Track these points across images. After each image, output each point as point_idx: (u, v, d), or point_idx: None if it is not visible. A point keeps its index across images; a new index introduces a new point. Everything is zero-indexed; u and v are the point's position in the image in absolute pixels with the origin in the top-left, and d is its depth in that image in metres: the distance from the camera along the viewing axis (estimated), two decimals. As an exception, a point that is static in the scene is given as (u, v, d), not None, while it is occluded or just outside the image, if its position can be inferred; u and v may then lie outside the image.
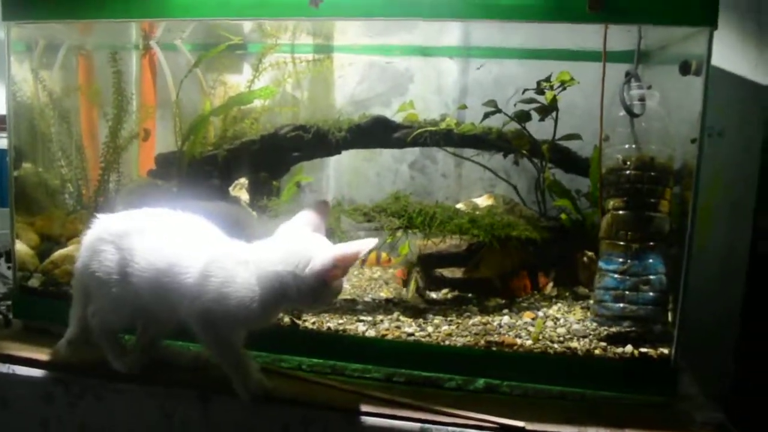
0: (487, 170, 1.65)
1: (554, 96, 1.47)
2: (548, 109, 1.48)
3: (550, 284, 1.60)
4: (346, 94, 1.76)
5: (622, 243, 1.29)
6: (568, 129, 1.58)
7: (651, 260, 1.28)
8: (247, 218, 1.48)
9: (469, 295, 1.57)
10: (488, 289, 1.53)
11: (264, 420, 1.22)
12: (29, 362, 1.34)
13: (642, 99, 1.30)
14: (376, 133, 1.57)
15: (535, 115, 1.54)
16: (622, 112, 1.30)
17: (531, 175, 1.66)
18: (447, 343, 1.31)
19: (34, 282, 1.49)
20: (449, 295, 1.59)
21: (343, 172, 1.83)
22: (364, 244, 1.09)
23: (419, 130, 1.53)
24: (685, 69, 1.24)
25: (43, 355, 1.35)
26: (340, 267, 1.09)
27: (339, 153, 1.58)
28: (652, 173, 1.27)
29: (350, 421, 1.21)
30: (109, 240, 1.22)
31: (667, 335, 1.26)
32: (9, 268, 1.51)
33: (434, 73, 1.77)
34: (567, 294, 1.56)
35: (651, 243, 1.28)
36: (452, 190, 1.80)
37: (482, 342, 1.30)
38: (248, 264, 1.14)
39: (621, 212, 1.29)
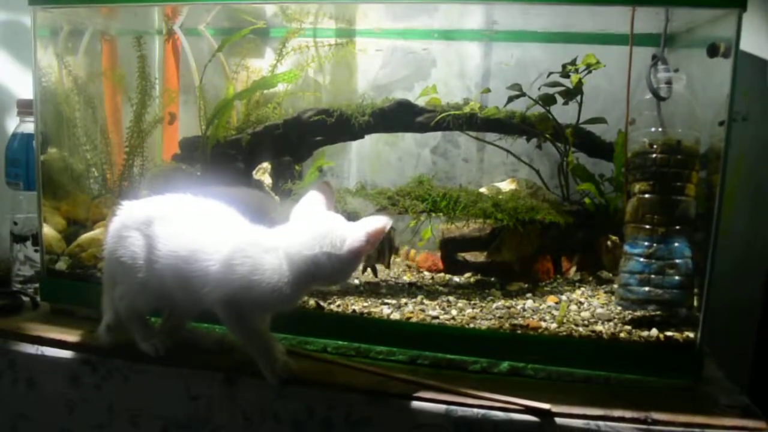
0: (509, 155, 1.64)
1: (579, 79, 1.46)
2: (573, 93, 1.47)
3: (573, 269, 1.60)
4: (369, 78, 1.75)
5: (647, 227, 1.28)
6: (592, 113, 1.57)
7: (677, 244, 1.27)
8: (269, 203, 1.49)
9: (492, 279, 1.57)
10: (508, 273, 1.53)
11: (289, 402, 1.24)
12: (57, 343, 1.36)
13: (669, 82, 1.29)
14: (399, 117, 1.56)
15: (558, 99, 1.53)
16: (649, 95, 1.29)
17: (554, 159, 1.65)
18: (471, 326, 1.32)
19: (60, 265, 1.51)
20: (472, 279, 1.60)
21: (365, 157, 1.83)
22: (388, 219, 1.13)
23: (442, 114, 1.52)
24: (713, 51, 1.23)
25: (70, 337, 1.38)
26: (371, 242, 1.13)
27: (362, 137, 1.58)
28: (679, 157, 1.26)
29: (375, 402, 1.21)
30: (133, 226, 1.24)
31: (693, 319, 1.26)
32: (36, 251, 1.53)
33: (456, 57, 1.76)
34: (590, 278, 1.55)
35: (677, 227, 1.27)
36: (474, 175, 1.80)
37: (507, 325, 1.31)
38: (277, 250, 1.15)
39: (647, 196, 1.28)
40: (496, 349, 1.30)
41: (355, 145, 1.81)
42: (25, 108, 1.51)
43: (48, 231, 1.52)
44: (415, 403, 1.20)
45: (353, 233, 1.12)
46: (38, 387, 1.36)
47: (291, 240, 1.15)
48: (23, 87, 1.48)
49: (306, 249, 1.14)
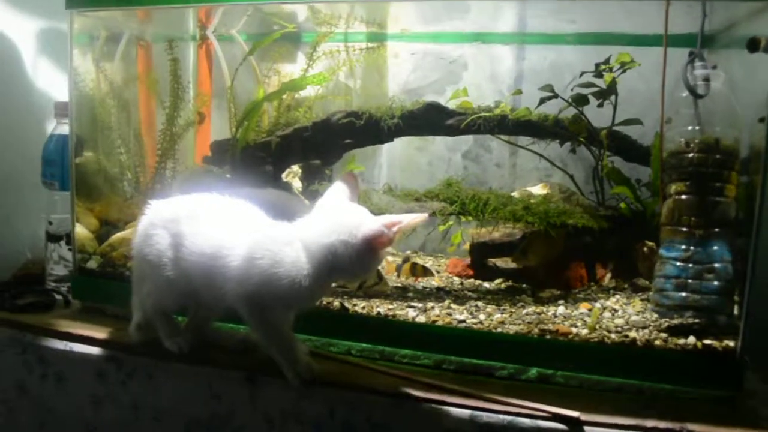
0: (542, 159, 1.61)
1: (613, 78, 1.42)
2: (607, 93, 1.43)
3: (608, 276, 1.55)
4: (399, 82, 1.75)
5: (684, 229, 1.23)
6: (628, 116, 1.53)
7: (716, 247, 1.21)
8: (296, 204, 1.49)
9: (523, 285, 1.53)
10: (540, 280, 1.48)
11: (311, 404, 1.22)
12: (85, 340, 1.38)
13: (707, 79, 1.24)
14: (429, 119, 1.54)
15: (593, 101, 1.49)
16: (686, 93, 1.24)
17: (588, 164, 1.61)
18: (499, 330, 1.28)
19: (91, 264, 1.53)
20: (503, 285, 1.56)
21: (395, 161, 1.82)
22: (417, 217, 1.10)
23: (473, 116, 1.50)
24: (753, 46, 1.18)
25: (98, 334, 1.39)
26: (389, 233, 1.10)
27: (391, 140, 1.56)
28: (717, 156, 1.21)
29: (397, 405, 1.18)
30: (160, 225, 1.25)
31: (733, 327, 1.19)
32: (70, 250, 1.56)
33: (488, 60, 1.74)
34: (626, 286, 1.50)
35: (716, 229, 1.21)
36: (506, 180, 1.76)
37: (536, 330, 1.27)
38: (295, 242, 1.14)
39: (684, 197, 1.23)
40: (525, 354, 1.26)
41: (385, 149, 1.80)
42: (61, 110, 1.54)
43: (81, 231, 1.55)
44: (439, 408, 1.17)
45: (370, 222, 1.11)
46: (66, 383, 1.38)
47: (308, 230, 1.14)
48: (61, 90, 1.51)
49: (323, 238, 1.12)
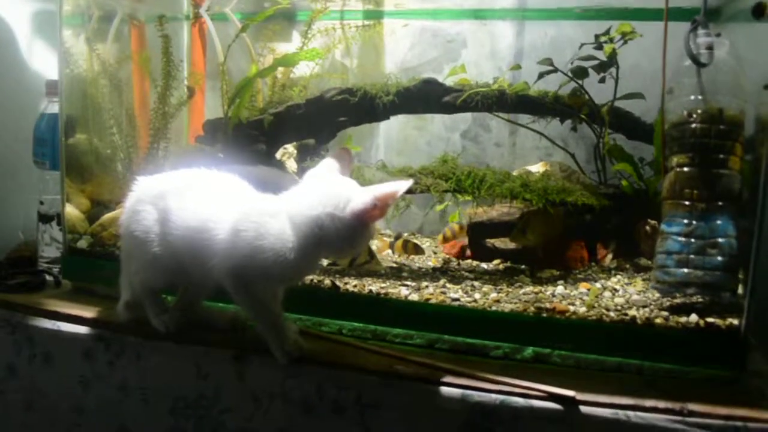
0: (543, 138, 1.56)
1: (613, 49, 1.37)
2: (607, 65, 1.39)
3: (610, 256, 1.50)
4: (397, 60, 1.71)
5: (686, 203, 1.18)
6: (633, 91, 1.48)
7: (719, 222, 1.16)
8: (287, 181, 1.45)
9: (522, 266, 1.48)
10: (535, 259, 1.44)
11: (299, 382, 1.18)
12: (72, 319, 1.35)
13: (710, 47, 1.19)
14: (425, 96, 1.50)
15: (594, 77, 1.45)
16: (688, 62, 1.20)
17: (590, 142, 1.57)
18: (494, 308, 1.24)
19: (82, 244, 1.51)
20: (501, 266, 1.52)
21: (393, 141, 1.78)
22: (401, 184, 1.04)
23: (469, 92, 1.46)
24: (759, 11, 1.13)
25: (86, 313, 1.37)
26: (379, 207, 1.05)
27: (387, 118, 1.53)
28: (721, 127, 1.16)
29: (387, 385, 1.15)
30: (147, 201, 1.23)
31: (737, 304, 1.14)
32: (61, 230, 1.54)
33: (487, 37, 1.70)
34: (627, 266, 1.45)
35: (719, 203, 1.16)
36: (506, 160, 1.72)
37: (532, 309, 1.22)
38: (281, 215, 1.11)
39: (686, 169, 1.18)
40: (520, 333, 1.21)
41: (382, 129, 1.76)
42: (52, 89, 1.52)
43: (71, 211, 1.53)
44: (430, 387, 1.13)
45: (360, 196, 1.06)
46: (54, 363, 1.36)
47: (294, 203, 1.11)
48: (55, 71, 1.49)
49: (308, 210, 1.08)
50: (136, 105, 1.64)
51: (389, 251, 1.56)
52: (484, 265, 1.52)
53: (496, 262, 1.53)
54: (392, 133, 1.78)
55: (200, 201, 1.18)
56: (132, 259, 1.28)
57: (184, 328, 1.28)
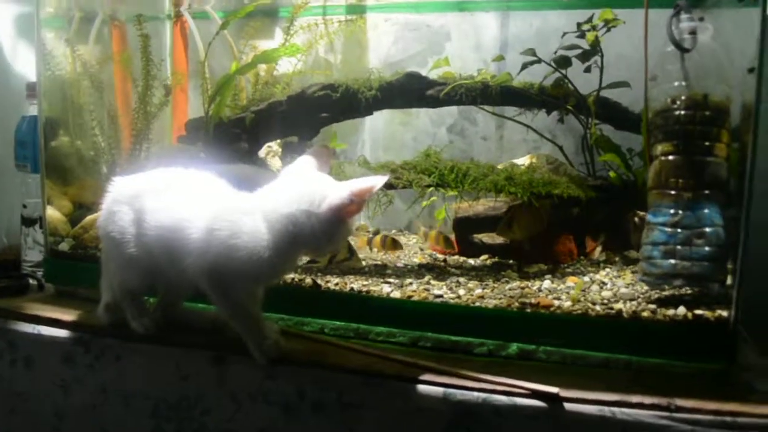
0: (530, 131, 1.53)
1: (596, 37, 1.34)
2: (591, 53, 1.36)
3: (599, 249, 1.47)
4: (381, 55, 1.68)
5: (672, 192, 1.15)
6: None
7: (706, 210, 1.13)
8: (268, 179, 1.43)
9: (510, 261, 1.45)
10: (528, 255, 1.41)
11: (278, 382, 1.16)
12: (52, 322, 1.34)
13: (693, 32, 1.15)
14: (408, 90, 1.47)
15: (580, 67, 1.42)
16: (671, 48, 1.16)
17: (579, 134, 1.53)
18: (477, 304, 1.21)
19: (63, 246, 1.50)
20: (488, 262, 1.49)
21: (379, 138, 1.76)
22: (378, 179, 1.02)
23: (453, 84, 1.43)
24: (742, -7, 1.10)
25: (66, 316, 1.35)
26: (356, 202, 1.03)
27: (370, 113, 1.50)
28: (706, 113, 1.13)
29: (369, 384, 1.12)
30: (123, 201, 1.21)
31: (726, 296, 1.11)
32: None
33: (472, 29, 1.67)
34: (617, 259, 1.42)
35: (706, 191, 1.13)
36: (494, 154, 1.69)
37: (516, 304, 1.19)
38: (255, 213, 1.08)
39: (670, 158, 1.15)
40: (505, 330, 1.19)
41: (367, 126, 1.74)
42: (33, 91, 1.51)
43: (53, 214, 1.52)
44: (411, 386, 1.10)
45: (336, 191, 1.04)
46: (35, 367, 1.34)
47: (270, 200, 1.09)
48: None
49: (282, 207, 1.06)
50: (118, 106, 1.62)
51: (366, 248, 1.53)
52: (471, 261, 1.49)
53: (483, 257, 1.50)
54: (378, 130, 1.75)
55: (175, 201, 1.16)
56: (110, 260, 1.26)
57: (164, 330, 1.26)
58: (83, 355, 1.31)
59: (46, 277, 1.50)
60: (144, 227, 1.17)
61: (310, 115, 1.48)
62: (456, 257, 1.52)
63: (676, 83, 1.16)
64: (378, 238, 1.49)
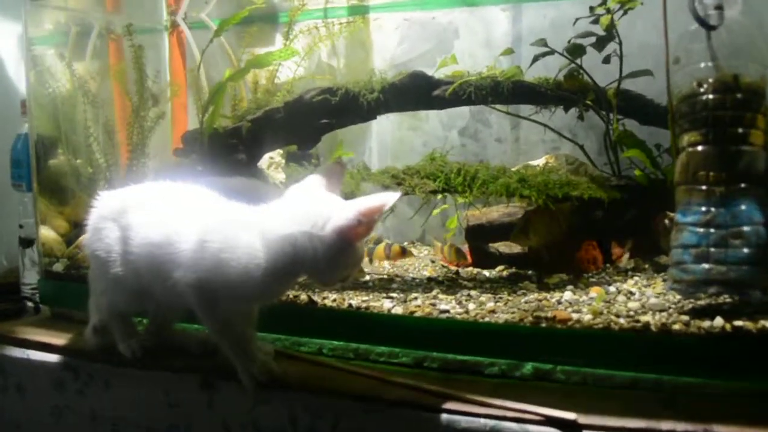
0: (548, 131, 1.41)
1: (611, 21, 1.21)
2: (606, 39, 1.23)
3: (626, 255, 1.33)
4: (386, 57, 1.59)
5: (702, 187, 1.01)
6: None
7: (743, 207, 0.99)
8: (268, 194, 1.35)
9: (529, 272, 1.33)
10: (540, 263, 1.29)
11: (270, 408, 1.07)
12: (42, 347, 1.28)
13: (719, 7, 1.02)
14: (414, 91, 1.38)
15: (599, 58, 1.29)
16: (695, 26, 1.04)
17: (601, 132, 1.40)
18: (487, 320, 1.09)
19: (58, 267, 1.44)
20: (505, 273, 1.36)
21: (387, 145, 1.66)
22: (389, 196, 0.92)
23: (459, 82, 1.32)
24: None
25: (56, 340, 1.29)
26: (365, 223, 0.92)
27: (373, 117, 1.41)
28: (738, 96, 0.99)
29: (366, 410, 1.02)
30: (109, 217, 1.14)
31: (770, 304, 0.97)
32: (40, 255, 1.48)
33: (481, 24, 1.57)
34: (646, 266, 1.28)
35: (741, 185, 0.99)
36: (509, 157, 1.57)
37: (530, 318, 1.07)
38: (252, 227, 1.00)
39: (699, 148, 1.02)
40: (518, 348, 1.06)
41: (375, 132, 1.64)
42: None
43: (48, 234, 1.47)
44: (413, 412, 0.99)
45: (342, 212, 0.93)
46: (26, 393, 1.29)
47: (268, 219, 1.00)
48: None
49: (281, 228, 0.97)
50: (117, 121, 1.57)
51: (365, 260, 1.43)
52: (486, 273, 1.37)
53: (499, 268, 1.38)
54: (385, 136, 1.66)
55: (164, 214, 1.09)
56: (97, 280, 1.19)
57: (153, 354, 1.18)
58: (72, 380, 1.24)
59: (41, 299, 1.45)
60: (131, 244, 1.09)
61: (309, 121, 1.40)
62: (470, 269, 1.41)
63: (702, 64, 1.02)
64: (381, 247, 1.37)
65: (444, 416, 0.98)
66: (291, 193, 1.04)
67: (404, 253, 1.36)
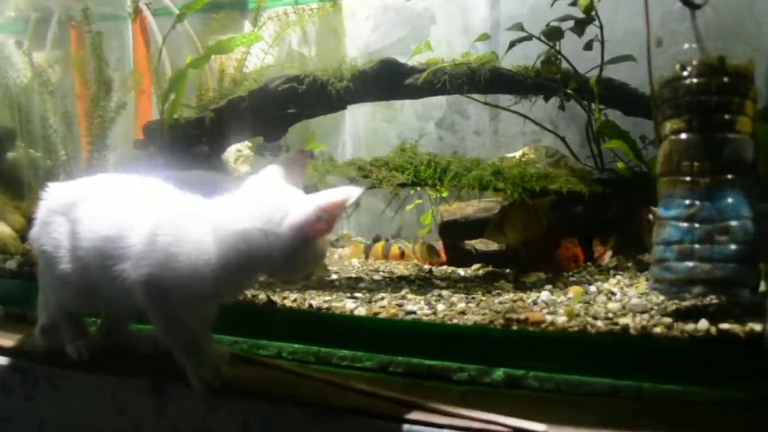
0: (528, 122, 1.34)
1: (590, 2, 1.14)
2: (585, 22, 1.16)
3: (609, 253, 1.25)
4: (359, 45, 1.52)
5: (686, 178, 0.93)
6: (627, 64, 1.24)
7: (730, 200, 0.91)
8: (228, 187, 1.28)
9: (507, 270, 1.25)
10: (517, 261, 1.21)
11: (222, 417, 0.99)
12: (-17, 350, 1.20)
13: (705, -17, 0.95)
14: (385, 80, 1.30)
15: (579, 45, 1.22)
16: (678, 5, 0.96)
17: (582, 122, 1.33)
18: (455, 321, 1.02)
19: (11, 264, 1.37)
20: (481, 272, 1.29)
21: (360, 137, 1.58)
22: (352, 191, 0.85)
23: (431, 68, 1.25)
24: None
25: (6, 341, 1.20)
26: (325, 219, 0.86)
27: (343, 107, 1.33)
28: (724, 79, 0.92)
29: (320, 419, 0.94)
30: (59, 211, 1.06)
31: (758, 305, 0.89)
32: None
33: (459, 10, 1.49)
34: (629, 264, 1.20)
35: (728, 176, 0.91)
36: (488, 149, 1.49)
37: (500, 320, 1.00)
38: (203, 220, 0.92)
39: (682, 136, 0.94)
40: (489, 352, 0.98)
41: (348, 123, 1.57)
42: (-19, 98, 1.41)
43: (3, 229, 1.39)
44: (370, 421, 0.91)
45: (300, 207, 0.86)
46: (-27, 401, 1.21)
47: (221, 213, 0.92)
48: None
49: (233, 224, 0.90)
50: (78, 112, 1.50)
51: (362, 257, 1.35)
52: (461, 272, 1.30)
53: (475, 267, 1.31)
54: (359, 128, 1.58)
55: (115, 208, 1.02)
56: (45, 277, 1.12)
57: (102, 355, 1.10)
58: (20, 384, 1.16)
59: (-6, 298, 1.37)
60: (80, 238, 1.02)
61: (275, 111, 1.32)
62: (444, 267, 1.33)
63: (686, 46, 0.95)
64: (379, 246, 1.29)
65: (404, 426, 0.90)
66: (248, 185, 0.97)
67: (403, 255, 1.28)
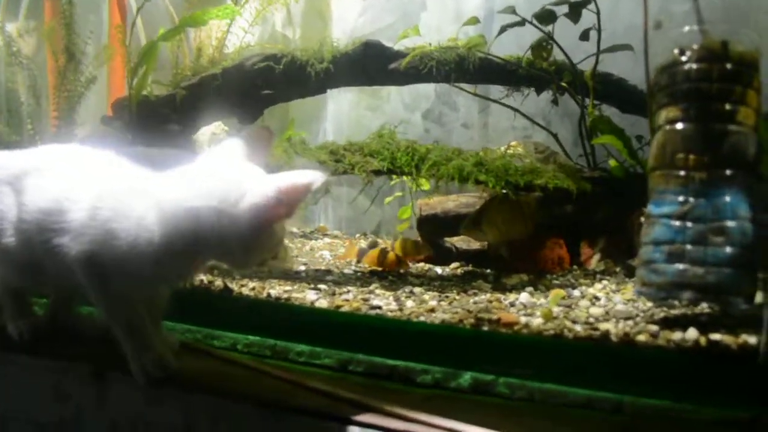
0: (519, 116, 1.26)
1: (587, -16, 1.06)
2: (580, 5, 1.08)
3: (597, 256, 1.17)
4: (346, 29, 1.45)
5: (680, 172, 0.85)
6: (627, 58, 1.17)
7: (727, 198, 0.83)
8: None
9: (488, 270, 1.17)
10: (498, 261, 1.13)
11: (163, 409, 0.91)
12: None
13: (710, -39, 0.88)
14: (369, 63, 1.23)
15: (575, 35, 1.14)
16: (680, -16, 0.89)
17: (576, 119, 1.25)
18: (422, 319, 0.94)
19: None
20: (459, 271, 1.20)
21: (343, 125, 1.51)
22: (316, 175, 0.78)
23: (416, 52, 1.17)
24: None
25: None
26: (286, 203, 0.79)
27: (323, 91, 1.26)
28: (727, 66, 0.84)
29: (267, 417, 0.86)
30: (5, 181, 0.99)
31: (753, 315, 0.81)
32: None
33: (451, -4, 1.42)
34: (618, 269, 1.12)
35: (726, 171, 0.83)
36: (476, 144, 1.42)
37: (470, 320, 0.91)
38: (149, 198, 0.85)
39: (678, 126, 0.86)
40: (456, 354, 0.90)
41: (330, 110, 1.50)
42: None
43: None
44: (323, 423, 0.83)
45: (260, 187, 0.79)
46: None
47: (170, 189, 0.85)
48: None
49: (184, 200, 0.82)
50: (49, 85, 1.43)
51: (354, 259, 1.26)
52: (438, 270, 1.21)
53: (454, 265, 1.22)
54: (342, 116, 1.51)
55: (60, 179, 0.95)
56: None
57: (45, 338, 1.03)
58: (-41, 367, 1.10)
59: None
60: (24, 210, 0.95)
61: (250, 91, 1.25)
62: (420, 264, 1.24)
63: (686, 28, 0.87)
64: (374, 252, 1.19)
65: (355, 429, 0.82)
66: (203, 160, 0.89)
67: (399, 263, 1.18)
